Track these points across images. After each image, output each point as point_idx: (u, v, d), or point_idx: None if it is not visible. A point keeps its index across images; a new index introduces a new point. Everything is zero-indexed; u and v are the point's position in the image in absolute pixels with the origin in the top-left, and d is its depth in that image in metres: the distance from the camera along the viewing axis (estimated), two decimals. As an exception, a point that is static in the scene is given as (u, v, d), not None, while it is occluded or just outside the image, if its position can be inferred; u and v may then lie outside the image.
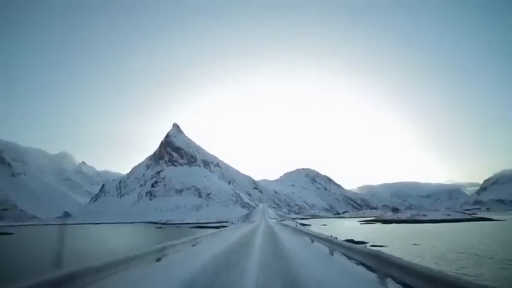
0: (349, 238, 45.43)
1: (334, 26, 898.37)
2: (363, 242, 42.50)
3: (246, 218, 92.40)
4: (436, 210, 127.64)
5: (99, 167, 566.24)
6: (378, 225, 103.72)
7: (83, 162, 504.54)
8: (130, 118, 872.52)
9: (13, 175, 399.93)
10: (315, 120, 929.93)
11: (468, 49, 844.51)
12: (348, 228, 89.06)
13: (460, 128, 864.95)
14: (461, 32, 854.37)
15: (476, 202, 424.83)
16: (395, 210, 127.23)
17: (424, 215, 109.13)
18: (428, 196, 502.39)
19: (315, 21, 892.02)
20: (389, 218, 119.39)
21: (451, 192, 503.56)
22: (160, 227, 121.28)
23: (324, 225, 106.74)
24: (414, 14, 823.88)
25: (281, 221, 62.11)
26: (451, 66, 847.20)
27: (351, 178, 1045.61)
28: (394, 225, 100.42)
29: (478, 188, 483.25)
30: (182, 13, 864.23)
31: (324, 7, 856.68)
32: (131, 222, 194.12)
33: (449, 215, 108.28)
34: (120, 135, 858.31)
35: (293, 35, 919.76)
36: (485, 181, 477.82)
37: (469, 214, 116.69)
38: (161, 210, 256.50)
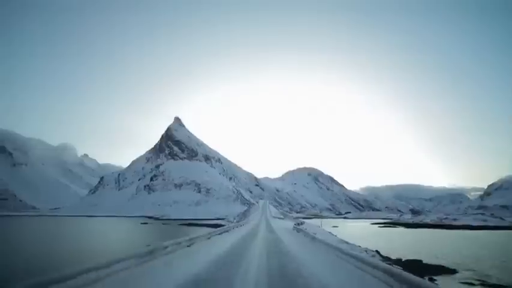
0: (414, 258, 25.78)
1: (341, 26, 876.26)
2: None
3: (244, 215, 72.15)
4: (467, 214, 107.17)
5: (102, 160, 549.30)
6: (401, 229, 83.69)
7: (85, 155, 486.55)
8: (134, 112, 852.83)
9: (14, 165, 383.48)
10: (318, 119, 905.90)
11: (473, 52, 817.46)
12: (372, 234, 68.89)
13: (465, 132, 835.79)
14: (467, 34, 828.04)
15: (480, 207, 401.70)
16: (415, 212, 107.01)
17: (455, 219, 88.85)
18: (430, 200, 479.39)
19: (320, 20, 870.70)
20: (411, 221, 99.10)
21: (454, 197, 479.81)
22: (146, 223, 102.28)
23: (335, 226, 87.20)
24: (420, 16, 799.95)
25: (297, 226, 32.55)
26: (457, 69, 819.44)
27: (354, 179, 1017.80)
28: (420, 230, 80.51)
29: (482, 193, 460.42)
30: (187, 8, 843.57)
31: (327, 7, 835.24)
32: (126, 216, 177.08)
33: (485, 220, 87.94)
34: (123, 129, 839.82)
35: (299, 33, 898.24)
36: (489, 186, 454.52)
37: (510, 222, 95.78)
38: (159, 205, 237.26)
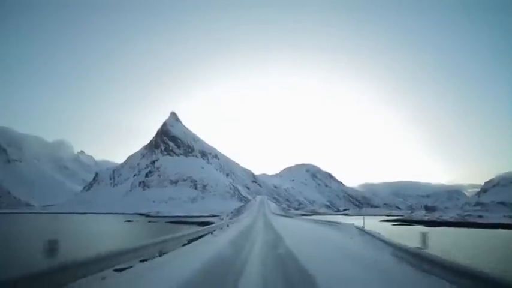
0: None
1: (339, 23, 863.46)
2: None
3: (238, 212, 58.59)
4: (488, 210, 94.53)
5: (98, 157, 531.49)
6: (421, 228, 70.64)
7: (81, 151, 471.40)
8: (132, 108, 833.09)
9: (8, 161, 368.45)
10: (316, 116, 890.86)
11: (472, 50, 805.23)
12: (397, 234, 55.53)
13: (463, 129, 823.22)
14: (465, 32, 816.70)
15: (477, 204, 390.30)
16: (429, 208, 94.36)
17: (480, 216, 76.02)
18: (428, 196, 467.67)
19: (319, 17, 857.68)
20: (426, 218, 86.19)
21: (451, 193, 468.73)
22: (130, 221, 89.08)
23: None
24: (420, 13, 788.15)
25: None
26: (456, 67, 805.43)
27: (352, 175, 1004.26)
28: (445, 229, 67.51)
29: (479, 189, 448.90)
30: (184, 3, 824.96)
31: (328, 6, 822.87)
32: (119, 213, 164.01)
33: (515, 217, 75.21)
34: (120, 125, 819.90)
35: (297, 30, 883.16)
36: (486, 183, 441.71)
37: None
38: (154, 202, 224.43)
